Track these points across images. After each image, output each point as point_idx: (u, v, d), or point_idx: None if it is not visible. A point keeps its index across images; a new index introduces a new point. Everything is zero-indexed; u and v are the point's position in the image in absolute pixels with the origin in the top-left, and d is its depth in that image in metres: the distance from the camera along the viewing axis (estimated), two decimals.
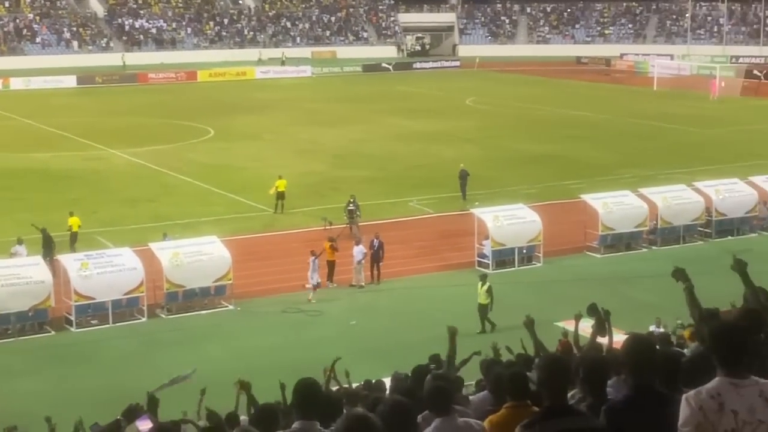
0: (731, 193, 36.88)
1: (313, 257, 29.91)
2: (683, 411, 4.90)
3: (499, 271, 32.56)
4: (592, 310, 11.72)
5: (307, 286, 29.88)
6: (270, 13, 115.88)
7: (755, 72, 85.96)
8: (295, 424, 6.36)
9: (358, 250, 31.66)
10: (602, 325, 11.87)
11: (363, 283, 31.65)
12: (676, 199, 35.97)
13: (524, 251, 33.27)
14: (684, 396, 4.98)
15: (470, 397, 10.44)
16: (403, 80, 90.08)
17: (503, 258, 33.14)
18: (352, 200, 37.17)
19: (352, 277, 31.64)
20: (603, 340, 13.95)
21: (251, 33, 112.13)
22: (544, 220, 33.66)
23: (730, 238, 35.81)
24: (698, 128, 59.91)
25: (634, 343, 5.82)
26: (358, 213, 36.75)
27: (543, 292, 29.88)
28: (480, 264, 32.88)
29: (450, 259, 33.53)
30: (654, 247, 35.11)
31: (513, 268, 32.82)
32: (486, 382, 11.27)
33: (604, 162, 49.10)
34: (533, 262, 33.41)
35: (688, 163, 47.77)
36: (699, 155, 50.30)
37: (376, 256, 32.07)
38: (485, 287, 27.41)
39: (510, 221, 33.29)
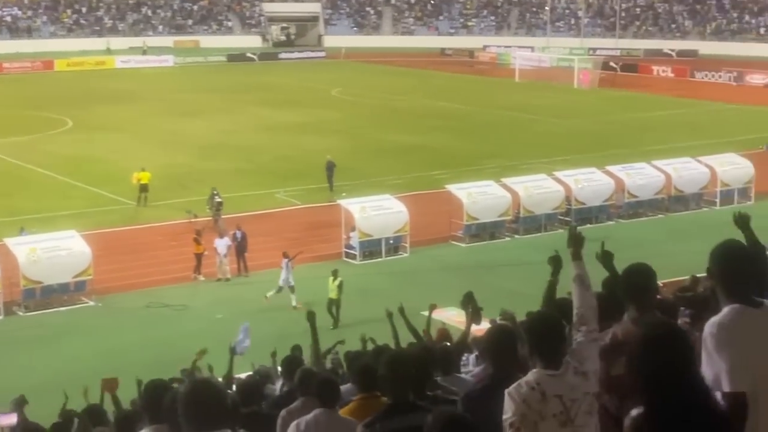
0: (589, 183, 38.02)
1: (286, 259, 29.02)
2: (507, 404, 5.03)
3: (366, 261, 32.77)
4: (468, 299, 11.85)
5: (281, 285, 28.92)
6: (130, 1, 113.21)
7: (611, 64, 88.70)
8: (145, 430, 6.17)
9: (222, 243, 31.37)
10: (478, 314, 12.03)
11: (229, 276, 31.39)
12: (538, 189, 36.86)
13: (391, 242, 33.55)
14: (506, 390, 5.11)
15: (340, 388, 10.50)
16: (268, 70, 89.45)
17: (370, 249, 33.35)
18: (215, 192, 36.76)
19: (217, 270, 31.36)
20: (478, 328, 14.22)
21: (111, 21, 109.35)
22: (411, 211, 34.00)
23: (589, 226, 36.87)
24: (558, 119, 61.52)
25: (496, 333, 5.94)
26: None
27: (410, 281, 30.19)
28: (347, 255, 32.99)
29: (318, 251, 33.53)
30: (516, 236, 35.92)
31: (380, 259, 33.07)
32: (350, 374, 11.33)
33: (468, 152, 49.90)
34: (400, 253, 33.74)
35: (548, 153, 49.01)
36: (559, 145, 51.65)
37: (240, 248, 31.84)
38: (337, 282, 27.51)
39: (377, 212, 33.52)
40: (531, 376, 5.15)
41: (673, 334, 4.11)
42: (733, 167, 40.91)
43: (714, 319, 4.53)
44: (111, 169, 45.02)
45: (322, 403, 6.84)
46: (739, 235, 7.55)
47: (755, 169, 40.81)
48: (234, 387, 11.74)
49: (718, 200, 39.71)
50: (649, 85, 78.76)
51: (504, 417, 5.06)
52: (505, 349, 5.73)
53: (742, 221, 7.32)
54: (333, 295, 27.51)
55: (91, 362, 23.41)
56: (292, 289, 28.77)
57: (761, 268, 5.38)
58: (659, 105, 67.46)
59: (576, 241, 6.03)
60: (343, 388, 10.52)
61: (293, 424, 6.66)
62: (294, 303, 28.36)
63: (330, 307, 27.21)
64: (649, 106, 67.00)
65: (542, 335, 5.26)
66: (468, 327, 12.92)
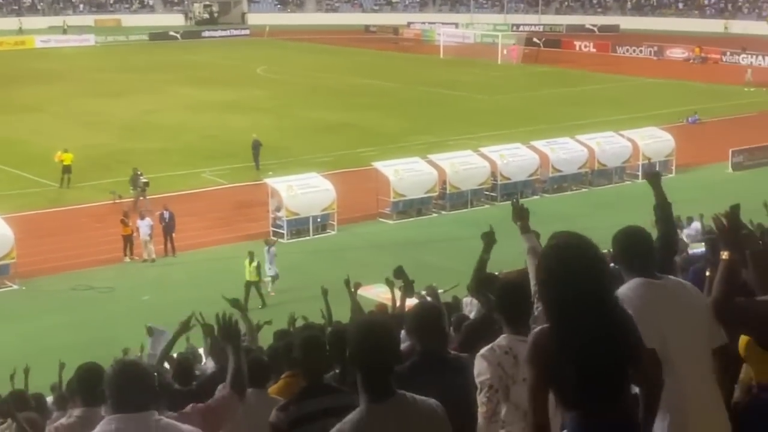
0: (514, 158, 38.35)
1: (268, 246, 28.41)
2: (480, 365, 5.09)
3: (294, 240, 32.69)
4: (399, 273, 11.85)
5: (265, 279, 28.16)
6: None
7: (534, 40, 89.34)
8: (77, 411, 6.10)
9: (144, 224, 31.00)
10: (410, 286, 12.04)
11: (154, 257, 31.06)
12: (464, 165, 37.06)
13: (319, 220, 33.51)
14: (479, 354, 5.16)
15: None
16: (192, 49, 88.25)
17: (298, 227, 33.28)
18: (139, 173, 36.30)
19: (142, 251, 31.03)
20: (411, 301, 14.28)
21: (29, 0, 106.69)
22: (338, 189, 33.98)
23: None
24: (483, 95, 61.87)
25: (423, 310, 5.96)
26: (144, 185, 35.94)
27: (338, 259, 30.19)
28: (275, 234, 32.86)
29: (245, 230, 33.35)
30: (443, 212, 36.13)
31: (308, 237, 33.02)
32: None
33: (394, 129, 49.96)
34: (328, 231, 33.72)
35: (474, 129, 49.30)
36: (484, 121, 51.99)
37: (168, 229, 31.50)
38: (254, 264, 27.34)
39: (304, 190, 33.42)
40: (503, 340, 5.22)
41: (584, 243, 3.97)
42: (654, 141, 41.62)
43: (617, 291, 4.70)
44: (33, 151, 44.11)
45: (251, 383, 6.82)
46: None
47: (676, 142, 41.58)
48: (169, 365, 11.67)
49: (640, 173, 40.31)
50: (572, 60, 79.60)
51: (480, 378, 5.10)
52: (433, 326, 5.73)
53: (654, 179, 7.46)
54: (251, 277, 27.28)
55: (15, 346, 23.00)
56: (272, 278, 28.30)
57: (661, 245, 5.76)
58: (582, 80, 68.26)
59: (521, 214, 6.08)
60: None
61: None
62: (269, 289, 27.93)
63: (248, 290, 26.90)
64: (572, 81, 67.74)
65: (511, 302, 5.31)
66: (402, 300, 12.96)
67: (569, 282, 3.83)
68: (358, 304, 12.73)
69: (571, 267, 3.85)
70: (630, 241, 5.17)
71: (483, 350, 5.19)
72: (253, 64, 76.46)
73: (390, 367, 4.15)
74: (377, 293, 25.49)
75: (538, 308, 5.35)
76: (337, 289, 13.64)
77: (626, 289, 4.81)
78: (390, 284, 14.29)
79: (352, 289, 13.40)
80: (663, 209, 7.14)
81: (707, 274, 6.45)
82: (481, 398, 5.04)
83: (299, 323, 15.16)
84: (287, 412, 5.73)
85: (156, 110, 55.38)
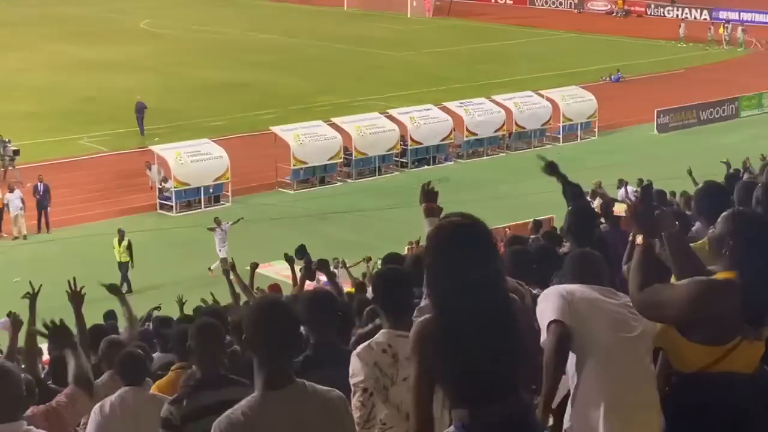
0: (426, 120, 38.45)
1: (216, 226, 27.45)
2: (354, 365, 5.01)
3: (184, 213, 32.32)
4: (301, 253, 11.72)
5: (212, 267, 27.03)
6: None
7: None
8: None
9: (14, 197, 30.22)
10: (310, 269, 11.90)
11: (25, 233, 30.35)
12: (371, 129, 37.03)
13: (211, 190, 33.18)
14: (354, 352, 5.07)
15: (153, 355, 10.28)
16: (64, 0, 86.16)
17: (188, 198, 32.90)
18: (7, 140, 35.39)
19: (12, 228, 30.30)
20: (311, 286, 14.15)
21: None
22: (232, 156, 33.66)
23: (426, 167, 37.41)
24: (392, 51, 61.84)
25: (313, 298, 5.85)
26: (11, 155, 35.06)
27: (234, 234, 29.85)
28: (163, 206, 32.42)
29: (129, 203, 32.84)
30: (349, 180, 36.09)
31: (199, 210, 32.66)
32: (158, 341, 11.09)
33: (295, 90, 49.64)
34: (222, 202, 33.42)
35: (381, 89, 49.28)
36: (392, 80, 52.01)
37: (42, 202, 30.79)
38: (124, 243, 26.89)
39: (194, 158, 33.02)
40: (381, 336, 5.11)
41: (475, 224, 3.90)
42: (575, 101, 42.19)
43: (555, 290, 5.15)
44: None
45: (126, 380, 6.63)
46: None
47: (598, 102, 42.21)
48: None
49: (561, 136, 40.92)
50: (487, 13, 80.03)
51: (354, 380, 5.02)
52: (325, 315, 5.64)
53: (550, 169, 7.63)
54: (122, 257, 26.75)
55: None
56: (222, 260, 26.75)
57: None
58: (498, 35, 68.73)
59: (429, 197, 6.00)
60: (156, 356, 10.31)
61: (96, 409, 6.39)
62: (212, 266, 26.88)
63: (123, 271, 26.42)
64: (487, 36, 68.15)
65: (387, 291, 5.22)
66: (301, 283, 12.82)
67: (456, 266, 3.76)
68: (246, 286, 12.54)
69: (458, 249, 3.78)
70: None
71: (359, 348, 5.10)
72: (136, 17, 74.98)
73: (286, 351, 4.15)
74: (277, 271, 25.39)
75: (425, 299, 5.32)
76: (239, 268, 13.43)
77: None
78: (290, 261, 14.17)
79: (247, 268, 13.24)
80: (573, 188, 7.38)
81: (623, 265, 6.57)
82: (354, 402, 4.95)
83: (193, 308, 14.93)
84: (179, 406, 5.60)
85: (24, 69, 53.92)
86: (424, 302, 5.23)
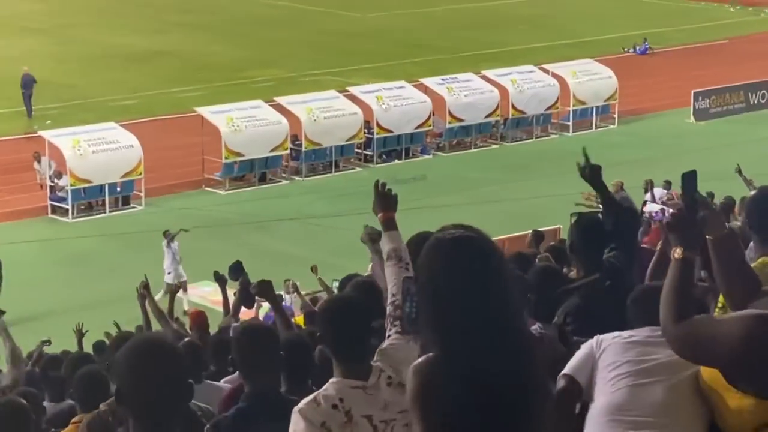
0: (397, 102, 38.41)
1: (168, 239, 26.83)
2: (296, 426, 4.98)
3: (82, 218, 32.15)
4: (236, 271, 11.69)
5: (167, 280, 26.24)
6: None
7: None
8: None
9: None
10: (248, 293, 11.84)
11: None
12: (326, 111, 36.92)
13: (118, 189, 33.01)
14: (296, 409, 5.05)
15: (44, 404, 10.22)
16: None
17: (88, 200, 32.74)
18: None
19: None
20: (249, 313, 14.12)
21: None
22: (146, 145, 33.49)
23: (397, 162, 37.40)
24: (354, 11, 61.84)
25: (244, 332, 5.83)
26: None
27: (146, 246, 29.75)
28: (56, 210, 32.25)
29: (12, 204, 32.64)
30: (297, 178, 36.01)
31: (103, 215, 32.51)
32: (46, 386, 10.99)
33: (228, 60, 49.51)
34: (132, 205, 33.27)
35: (340, 60, 49.21)
36: (354, 49, 51.97)
37: None
38: None
39: (96, 147, 32.84)
40: (331, 388, 5.06)
41: (483, 238, 3.92)
42: (590, 78, 42.28)
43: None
44: None
45: None
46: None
47: (619, 81, 42.32)
48: None
49: (570, 123, 41.01)
50: None
51: None
52: (263, 356, 5.59)
53: (592, 175, 7.50)
54: None
55: None
56: (183, 285, 26.38)
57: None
58: None
59: (386, 204, 5.94)
60: (51, 406, 10.23)
61: None
62: (186, 306, 26.28)
63: None
64: None
65: (337, 327, 5.18)
66: (235, 311, 12.78)
67: (460, 292, 3.78)
68: (161, 311, 12.54)
69: (462, 270, 3.79)
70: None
71: (302, 403, 5.07)
72: None
73: (173, 407, 4.03)
74: (203, 294, 25.31)
75: (389, 337, 5.30)
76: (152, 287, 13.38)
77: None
78: (221, 281, 14.10)
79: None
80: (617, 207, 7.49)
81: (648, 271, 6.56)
82: None
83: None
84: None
85: None
86: (390, 341, 5.21)
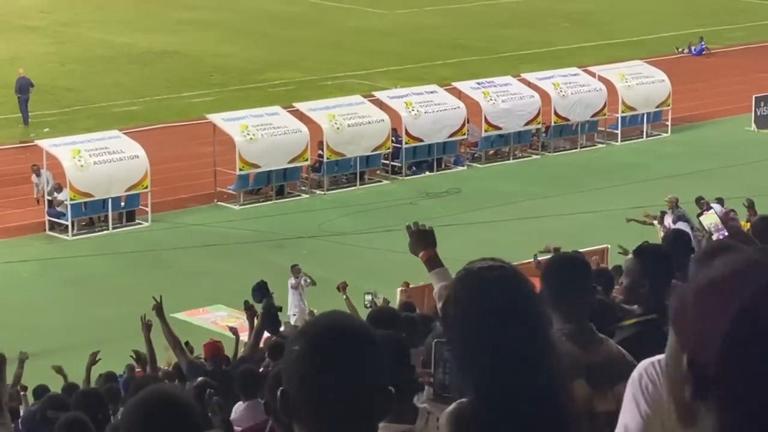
0: (428, 108, 38.29)
1: (296, 277, 25.95)
2: None
3: (83, 236, 32.24)
4: (260, 293, 11.71)
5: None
6: None
7: None
8: None
9: None
10: (273, 316, 11.85)
11: None
12: (349, 118, 36.90)
13: (122, 204, 33.11)
14: None
15: None
16: None
17: (90, 215, 32.84)
18: None
19: None
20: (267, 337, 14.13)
21: None
22: (153, 155, 33.58)
23: (428, 174, 37.36)
24: (379, 8, 61.86)
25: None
26: None
27: (153, 266, 29.89)
28: (54, 226, 32.37)
29: (7, 220, 32.76)
30: (318, 191, 36.02)
31: (106, 231, 32.60)
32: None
33: (241, 62, 49.58)
34: (137, 221, 33.34)
35: (365, 61, 49.25)
36: (380, 49, 51.94)
37: None
38: None
39: (99, 158, 32.94)
40: None
41: (516, 274, 3.97)
42: (640, 82, 42.17)
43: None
44: None
45: None
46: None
47: (672, 85, 42.18)
48: None
49: (619, 131, 40.90)
50: None
51: None
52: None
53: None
54: None
55: None
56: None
57: None
58: None
59: (424, 240, 5.90)
60: None
61: None
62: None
63: None
64: None
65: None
66: (257, 336, 12.79)
67: (489, 332, 3.85)
68: (176, 338, 12.59)
69: (491, 308, 3.87)
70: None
71: None
72: None
73: None
74: (216, 319, 25.39)
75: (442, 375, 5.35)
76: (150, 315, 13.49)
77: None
78: (249, 310, 13.78)
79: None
80: None
81: None
82: None
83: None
84: None
85: None
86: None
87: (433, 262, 5.75)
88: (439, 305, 5.60)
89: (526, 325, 3.89)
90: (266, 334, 13.36)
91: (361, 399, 2.93)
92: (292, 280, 25.85)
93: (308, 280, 25.96)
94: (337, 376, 2.89)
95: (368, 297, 19.03)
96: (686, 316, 2.26)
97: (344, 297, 20.56)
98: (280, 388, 2.91)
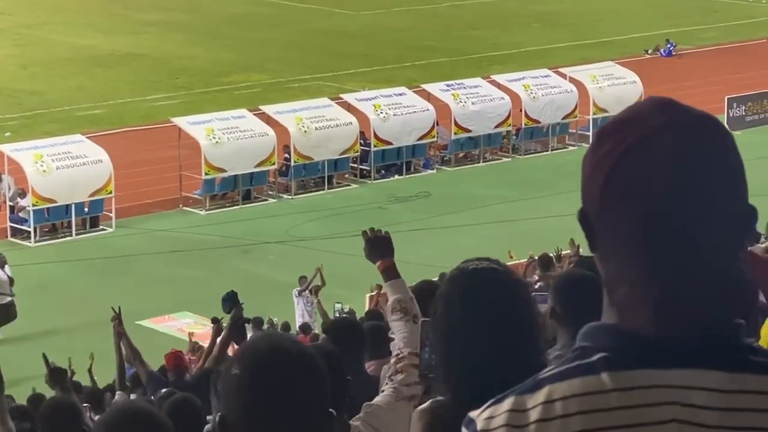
0: (397, 110, 38.33)
1: (302, 290, 25.56)
2: None
3: (46, 242, 32.14)
4: (230, 303, 11.63)
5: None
6: None
7: None
8: None
9: None
10: (240, 326, 11.74)
11: None
12: (317, 121, 36.91)
13: (86, 210, 33.01)
14: None
15: None
16: None
17: (52, 221, 32.73)
18: None
19: None
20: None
21: None
22: (117, 160, 33.50)
23: (397, 177, 37.36)
24: (346, 8, 61.85)
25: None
26: None
27: (118, 272, 29.83)
28: (16, 233, 32.26)
29: None
30: (285, 196, 35.99)
31: (69, 237, 32.50)
32: None
33: (206, 64, 49.53)
34: (101, 227, 33.24)
35: (332, 63, 49.23)
36: (348, 51, 52.00)
37: None
38: None
39: (62, 162, 32.83)
40: None
41: (508, 274, 3.96)
42: (612, 83, 42.30)
43: None
44: None
45: None
46: None
47: (644, 86, 42.26)
48: None
49: (590, 134, 40.87)
50: None
51: None
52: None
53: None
54: None
55: None
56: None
57: None
58: None
59: (381, 246, 5.82)
60: None
61: None
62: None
63: None
64: None
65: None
66: (221, 347, 12.70)
67: (479, 331, 3.81)
68: (137, 350, 12.50)
69: (482, 307, 3.83)
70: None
71: None
72: None
73: None
74: (182, 327, 25.32)
75: (383, 393, 5.28)
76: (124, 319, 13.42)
77: None
78: (215, 322, 13.81)
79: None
80: None
81: None
82: None
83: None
84: None
85: None
86: (381, 398, 5.21)
87: (390, 273, 5.60)
88: (392, 318, 5.51)
89: (517, 328, 3.85)
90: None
91: (296, 420, 2.87)
92: (296, 290, 25.68)
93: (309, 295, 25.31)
94: (270, 396, 2.84)
95: (338, 306, 19.25)
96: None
97: (317, 300, 20.58)
98: (219, 413, 2.88)
